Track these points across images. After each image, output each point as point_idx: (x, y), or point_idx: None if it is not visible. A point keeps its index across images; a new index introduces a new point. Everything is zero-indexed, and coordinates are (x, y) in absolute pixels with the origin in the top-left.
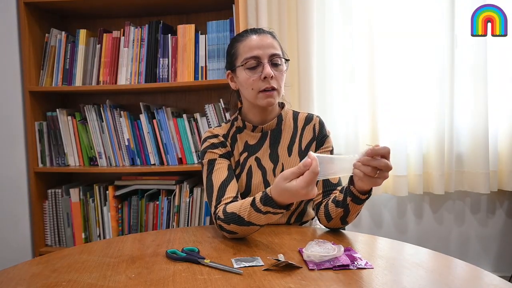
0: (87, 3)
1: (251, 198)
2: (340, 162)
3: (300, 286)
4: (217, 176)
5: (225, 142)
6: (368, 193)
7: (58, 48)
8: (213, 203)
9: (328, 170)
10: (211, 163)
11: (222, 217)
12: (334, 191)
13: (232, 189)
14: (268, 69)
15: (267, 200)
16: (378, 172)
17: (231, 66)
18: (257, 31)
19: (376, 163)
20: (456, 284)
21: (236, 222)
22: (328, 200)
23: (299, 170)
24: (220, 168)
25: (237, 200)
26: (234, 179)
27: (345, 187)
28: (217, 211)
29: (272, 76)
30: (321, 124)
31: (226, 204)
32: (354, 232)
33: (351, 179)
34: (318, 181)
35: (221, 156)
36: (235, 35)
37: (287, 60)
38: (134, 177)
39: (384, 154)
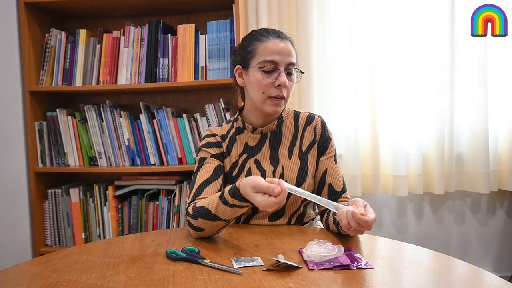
0: (87, 3)
1: (221, 192)
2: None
3: (300, 286)
4: (201, 175)
5: (221, 142)
6: None
7: (58, 48)
8: (189, 200)
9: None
10: (201, 161)
11: (191, 212)
12: (339, 199)
13: (210, 190)
14: (284, 78)
15: (235, 192)
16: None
17: (244, 62)
18: (279, 34)
19: (354, 225)
20: (456, 284)
21: (203, 216)
22: (331, 212)
23: (268, 189)
24: (207, 167)
25: None
26: (218, 181)
27: (335, 217)
28: (188, 207)
29: (285, 85)
30: (323, 125)
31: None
32: None
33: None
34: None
35: (213, 156)
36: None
37: (302, 72)
38: (134, 177)
39: (365, 224)
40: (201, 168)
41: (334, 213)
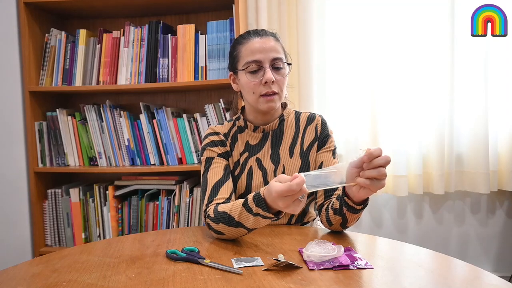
0: (87, 3)
1: (244, 198)
2: (330, 175)
3: (300, 286)
4: (212, 175)
5: (225, 141)
6: (363, 203)
7: (58, 48)
8: (205, 202)
9: (318, 183)
10: (209, 161)
11: (212, 215)
12: (336, 192)
13: (226, 190)
14: (269, 74)
15: (259, 200)
16: (375, 180)
17: (233, 68)
18: (259, 33)
19: (377, 163)
20: (456, 284)
21: (225, 222)
22: (329, 204)
23: (288, 178)
24: (217, 167)
25: (230, 202)
26: (230, 180)
27: (340, 196)
28: (207, 209)
29: (273, 81)
30: (323, 123)
31: (218, 204)
32: (354, 232)
33: (344, 190)
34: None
35: (219, 155)
36: (236, 35)
37: (289, 64)
38: (134, 177)
39: (379, 155)
40: (211, 168)
41: (332, 204)
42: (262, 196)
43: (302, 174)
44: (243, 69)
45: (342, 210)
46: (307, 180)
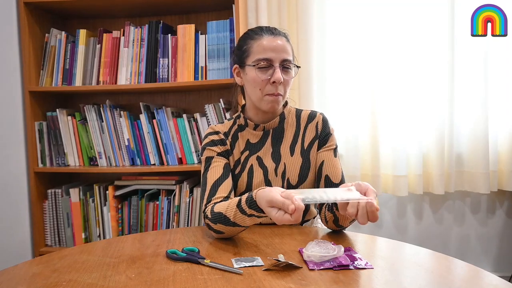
0: (87, 3)
1: (238, 198)
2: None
3: (300, 286)
4: (212, 174)
5: (225, 140)
6: None
7: (58, 48)
8: (204, 201)
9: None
10: (208, 160)
11: (210, 216)
12: None
13: (224, 189)
14: (278, 75)
15: (252, 203)
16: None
17: (240, 61)
18: (272, 31)
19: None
20: (456, 284)
21: (222, 222)
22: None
23: (283, 206)
24: (216, 166)
25: (227, 200)
26: (229, 178)
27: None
28: (206, 209)
29: (281, 82)
30: (324, 121)
31: (216, 203)
32: (354, 232)
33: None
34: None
35: (219, 154)
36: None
37: (297, 67)
38: (134, 177)
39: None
40: (210, 168)
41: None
42: (254, 199)
43: (300, 201)
44: (253, 65)
45: (333, 209)
46: (303, 198)
